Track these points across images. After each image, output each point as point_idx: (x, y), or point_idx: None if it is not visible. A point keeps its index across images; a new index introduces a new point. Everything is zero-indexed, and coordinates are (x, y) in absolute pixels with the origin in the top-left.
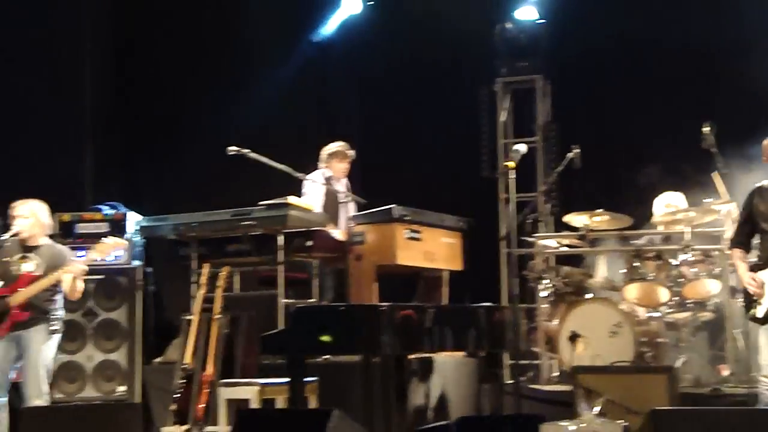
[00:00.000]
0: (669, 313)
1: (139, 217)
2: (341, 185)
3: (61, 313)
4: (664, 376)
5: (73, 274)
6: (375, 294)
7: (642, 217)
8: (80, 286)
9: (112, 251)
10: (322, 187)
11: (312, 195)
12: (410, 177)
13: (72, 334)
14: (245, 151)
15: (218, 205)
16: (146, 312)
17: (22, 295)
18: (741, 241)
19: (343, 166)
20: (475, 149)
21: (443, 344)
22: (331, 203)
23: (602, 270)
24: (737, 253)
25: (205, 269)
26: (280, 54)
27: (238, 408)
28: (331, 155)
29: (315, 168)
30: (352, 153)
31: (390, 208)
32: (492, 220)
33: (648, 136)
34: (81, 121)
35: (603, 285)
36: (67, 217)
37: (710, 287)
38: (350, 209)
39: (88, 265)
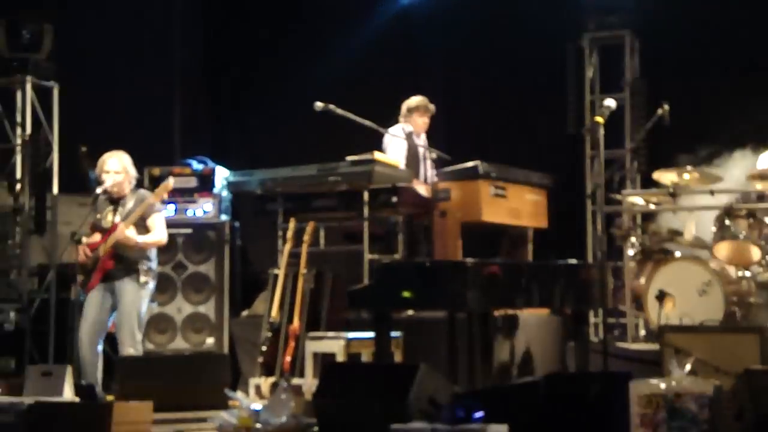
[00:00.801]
0: (760, 272)
1: (227, 172)
2: (421, 140)
3: (153, 264)
4: (755, 336)
5: (121, 234)
6: (459, 250)
7: (733, 174)
8: (154, 236)
9: (165, 193)
10: (404, 142)
11: (394, 150)
12: (495, 133)
13: (162, 287)
14: (331, 106)
15: (304, 160)
16: (234, 266)
17: (108, 243)
18: None
19: (423, 121)
20: (562, 105)
21: (528, 301)
22: (413, 158)
23: (691, 228)
24: None
25: (292, 224)
26: (364, 9)
27: (325, 361)
28: (412, 109)
29: (397, 123)
30: (432, 107)
31: (475, 164)
32: (578, 178)
33: (739, 93)
34: (170, 78)
35: (692, 243)
36: (157, 171)
37: None
38: (429, 165)
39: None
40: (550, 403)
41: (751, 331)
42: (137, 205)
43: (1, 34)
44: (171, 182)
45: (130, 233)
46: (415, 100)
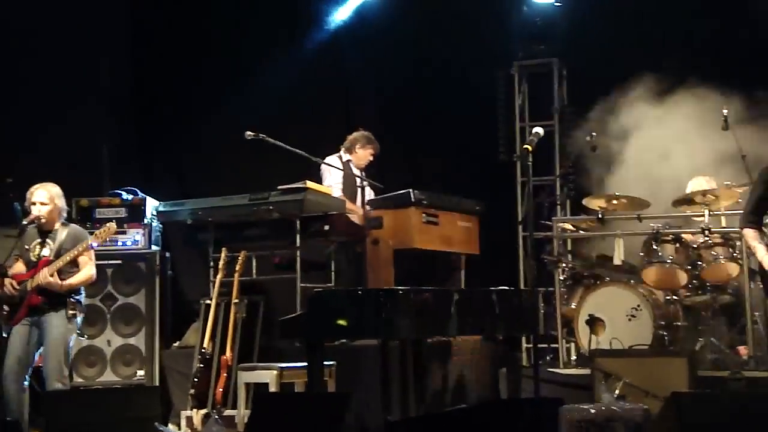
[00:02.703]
0: (688, 296)
1: (157, 203)
2: (357, 170)
3: (81, 297)
4: (683, 360)
5: (43, 282)
6: (392, 278)
7: (659, 199)
8: (83, 275)
9: (107, 236)
10: (340, 171)
11: (331, 178)
12: (427, 161)
13: (91, 319)
14: (262, 135)
15: (235, 189)
16: (164, 296)
17: (38, 278)
18: (753, 220)
19: (364, 153)
20: (492, 133)
21: (461, 328)
22: (350, 187)
23: (620, 253)
24: (751, 233)
25: (223, 254)
26: (296, 39)
27: (257, 392)
28: (353, 141)
29: (332, 152)
30: (374, 142)
31: (407, 192)
32: (509, 204)
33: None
34: (98, 108)
35: (621, 268)
36: (85, 202)
37: (729, 270)
38: (367, 193)
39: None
40: (483, 430)
41: (680, 355)
42: (71, 242)
43: None
44: (113, 226)
45: (54, 280)
46: (362, 136)
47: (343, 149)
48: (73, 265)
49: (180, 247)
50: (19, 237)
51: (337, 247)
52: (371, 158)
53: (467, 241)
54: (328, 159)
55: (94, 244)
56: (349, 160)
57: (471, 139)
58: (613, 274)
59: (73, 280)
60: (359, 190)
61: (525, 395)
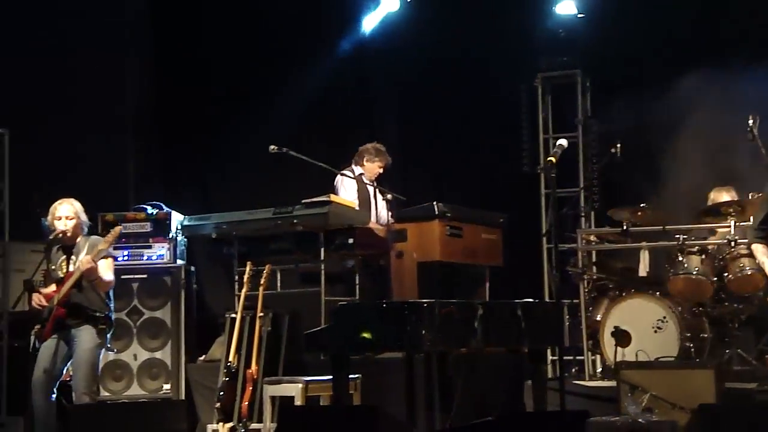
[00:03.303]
0: (714, 307)
1: (182, 217)
2: (369, 181)
3: (109, 312)
4: (710, 372)
5: (82, 269)
6: (416, 291)
7: (685, 210)
8: (102, 275)
9: (113, 240)
10: (353, 182)
11: (345, 191)
12: (450, 174)
13: (117, 333)
14: (286, 149)
15: (260, 203)
16: (190, 310)
17: (60, 293)
18: (762, 235)
19: (372, 166)
20: (516, 145)
21: (486, 340)
22: (364, 199)
23: (645, 264)
24: (760, 248)
25: (248, 267)
26: (319, 53)
27: (283, 405)
28: (362, 153)
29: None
30: (384, 154)
31: (431, 204)
32: (533, 216)
33: (689, 130)
34: (123, 123)
35: (647, 280)
36: (110, 217)
37: (756, 281)
38: (380, 205)
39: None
40: None
41: (706, 367)
42: (90, 251)
43: None
44: (119, 228)
45: (92, 264)
46: (371, 148)
47: (353, 162)
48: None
49: (205, 261)
50: (46, 252)
51: (361, 261)
52: (380, 171)
53: (491, 253)
54: (344, 171)
55: (106, 249)
56: (361, 174)
57: (495, 152)
58: (639, 286)
59: (101, 274)
60: (374, 202)
61: (550, 408)
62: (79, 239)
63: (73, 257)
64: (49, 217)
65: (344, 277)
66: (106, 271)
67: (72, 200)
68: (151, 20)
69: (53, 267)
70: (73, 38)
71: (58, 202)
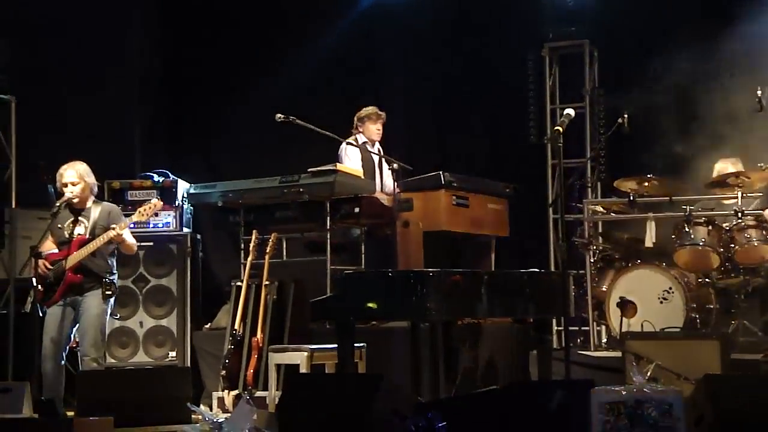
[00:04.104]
0: (720, 278)
1: (188, 185)
2: (375, 149)
3: (114, 278)
4: (716, 342)
5: (113, 238)
6: (422, 260)
7: (691, 182)
8: (130, 240)
9: (152, 213)
10: (357, 151)
11: (349, 160)
12: (457, 143)
13: (123, 300)
14: (292, 117)
15: (265, 172)
16: (195, 278)
17: (74, 257)
18: None
19: (376, 128)
20: (523, 115)
21: (491, 310)
22: (368, 168)
23: (652, 235)
24: None
25: (254, 236)
26: (325, 19)
27: (288, 373)
28: (363, 118)
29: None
30: (383, 114)
31: (437, 174)
32: (540, 187)
33: (697, 101)
34: (129, 91)
35: (653, 251)
36: (117, 184)
37: (763, 252)
38: (386, 174)
39: (136, 228)
40: (513, 412)
41: (712, 338)
42: (105, 219)
43: None
44: (159, 202)
45: (126, 234)
46: (365, 109)
47: (354, 131)
48: (109, 244)
49: (211, 229)
50: (52, 219)
51: (367, 230)
52: (380, 128)
53: (497, 223)
54: (348, 141)
55: (139, 221)
56: (365, 142)
57: (501, 122)
58: (645, 257)
59: (127, 239)
60: (378, 171)
61: (556, 378)
62: (89, 203)
63: (83, 220)
64: (57, 184)
65: (350, 246)
66: (129, 235)
67: (76, 164)
68: None
69: (60, 227)
70: (78, 4)
71: (63, 167)
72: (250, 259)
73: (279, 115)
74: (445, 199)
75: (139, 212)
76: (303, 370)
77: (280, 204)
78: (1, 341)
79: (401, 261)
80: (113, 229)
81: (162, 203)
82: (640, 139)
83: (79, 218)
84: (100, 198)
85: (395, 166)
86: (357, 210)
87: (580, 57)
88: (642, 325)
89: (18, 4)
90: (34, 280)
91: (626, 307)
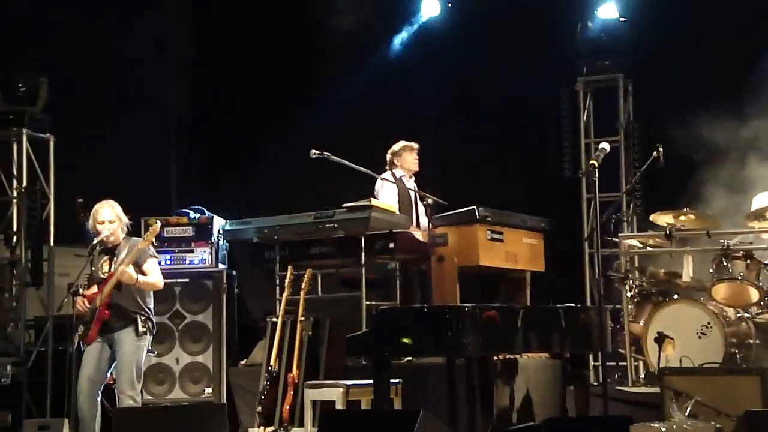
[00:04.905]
0: (759, 313)
1: (223, 221)
2: (411, 184)
3: (151, 314)
4: (756, 378)
5: (118, 278)
6: (457, 296)
7: (728, 215)
8: (152, 278)
9: (153, 237)
10: (395, 187)
11: (386, 195)
12: (492, 178)
13: (160, 336)
14: (326, 153)
15: (300, 208)
16: (231, 314)
17: (103, 294)
18: None
19: (414, 158)
20: (557, 149)
21: (527, 345)
22: (405, 203)
23: (689, 270)
24: None
25: (289, 271)
26: (360, 58)
27: (324, 409)
28: (398, 151)
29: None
30: (417, 145)
31: (472, 209)
32: (574, 221)
33: (732, 135)
34: (165, 128)
35: (690, 285)
36: (153, 221)
37: None
38: (421, 210)
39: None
40: None
41: (752, 373)
42: (130, 251)
43: None
44: (158, 225)
45: (130, 270)
46: (398, 144)
47: (389, 166)
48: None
49: (246, 265)
50: (89, 257)
51: (402, 265)
52: (417, 158)
53: (532, 258)
54: (383, 177)
55: (146, 248)
56: (402, 176)
57: (536, 156)
58: (682, 291)
59: (146, 278)
60: (414, 206)
61: (593, 414)
62: (120, 241)
63: (115, 259)
64: (91, 221)
65: (385, 281)
66: (153, 271)
67: (112, 202)
68: (193, 25)
69: (94, 269)
70: (116, 44)
71: (99, 205)
72: (285, 294)
73: (314, 151)
74: (480, 233)
75: (144, 238)
76: (339, 406)
77: (315, 240)
78: (40, 378)
79: (436, 296)
80: (121, 264)
81: (159, 227)
82: (676, 172)
83: (113, 258)
84: (135, 234)
85: (430, 201)
86: (392, 245)
87: (615, 90)
88: (681, 361)
89: (57, 44)
90: (74, 318)
91: (664, 342)
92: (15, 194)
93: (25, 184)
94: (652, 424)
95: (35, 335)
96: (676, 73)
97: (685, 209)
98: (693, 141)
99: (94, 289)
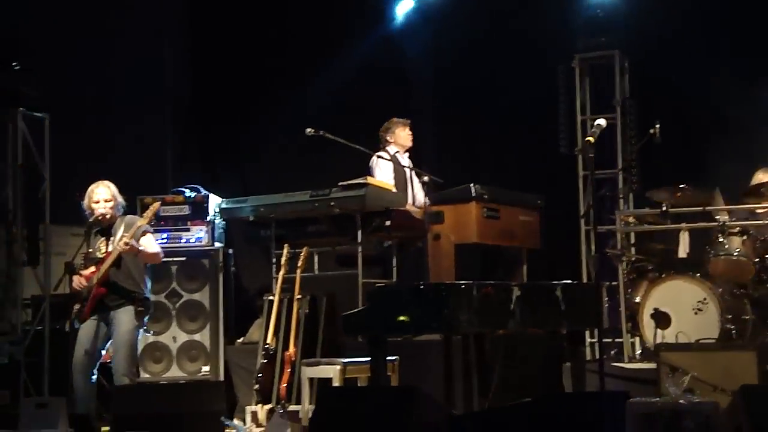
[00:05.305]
0: (756, 289)
1: (220, 200)
2: (405, 161)
3: (147, 293)
4: (752, 353)
5: (120, 249)
6: (453, 273)
7: (724, 192)
8: (148, 250)
9: (153, 214)
10: (390, 164)
11: (381, 173)
12: (487, 155)
13: (157, 315)
14: (322, 131)
15: (296, 186)
16: (228, 293)
17: (99, 272)
18: None
19: (407, 133)
20: (553, 126)
21: (523, 322)
22: (400, 180)
23: (685, 246)
24: None
25: (285, 250)
26: (355, 34)
27: (321, 387)
28: (390, 128)
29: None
30: (408, 121)
31: (468, 186)
32: (571, 198)
33: (729, 110)
34: (161, 107)
35: (686, 261)
36: (150, 200)
37: None
38: (417, 187)
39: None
40: (547, 425)
41: (748, 348)
42: (127, 229)
43: None
44: (157, 204)
45: (132, 241)
46: (390, 120)
47: (383, 144)
48: (132, 257)
49: (242, 243)
50: (85, 235)
51: (398, 243)
52: (410, 133)
53: (529, 235)
54: (379, 154)
55: (144, 225)
56: (396, 153)
57: (532, 133)
58: (679, 268)
59: (147, 248)
60: (410, 183)
61: (590, 390)
62: (116, 220)
63: (112, 238)
64: (86, 201)
65: (381, 259)
66: (151, 245)
67: (107, 182)
68: (190, 6)
69: (91, 249)
70: (111, 22)
71: (95, 185)
72: (281, 273)
73: (309, 129)
74: (475, 211)
75: (144, 217)
76: (336, 383)
77: (311, 218)
78: (38, 357)
79: (432, 274)
80: (122, 239)
81: (159, 205)
82: (672, 149)
83: (110, 238)
84: (131, 213)
85: (426, 179)
86: (388, 223)
87: (611, 68)
88: (677, 337)
89: (54, 23)
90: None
91: (660, 318)
92: (11, 173)
93: (20, 163)
94: (648, 399)
95: (32, 314)
96: (672, 50)
97: (681, 186)
98: (690, 117)
99: (92, 268)
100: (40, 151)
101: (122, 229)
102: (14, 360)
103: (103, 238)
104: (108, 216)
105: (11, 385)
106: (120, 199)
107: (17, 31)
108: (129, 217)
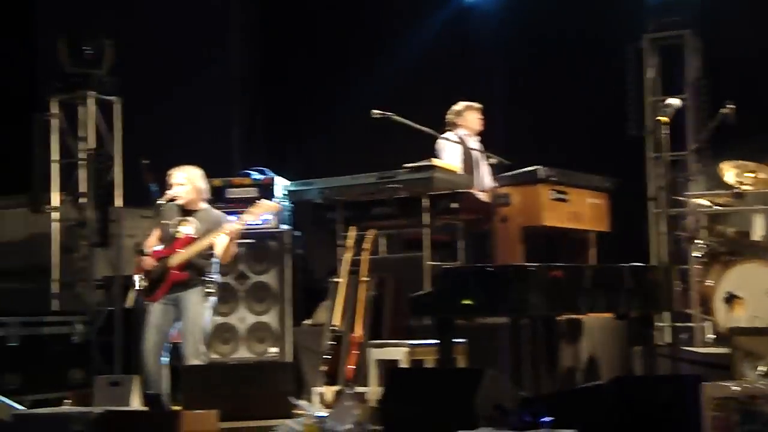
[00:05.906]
0: None
1: (287, 182)
2: (475, 144)
3: (217, 276)
4: None
5: (228, 235)
6: (521, 256)
7: None
8: (233, 249)
9: (264, 213)
10: (458, 147)
11: (448, 155)
12: (555, 137)
13: (225, 297)
14: (389, 114)
15: (363, 168)
16: (295, 275)
17: (181, 255)
18: None
19: (477, 117)
20: (622, 108)
21: (592, 305)
22: (468, 163)
23: (760, 228)
24: None
25: (352, 232)
26: (423, 14)
27: (388, 368)
28: (461, 111)
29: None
30: (480, 105)
31: (535, 169)
32: (639, 180)
33: None
34: (228, 89)
35: (761, 244)
36: (217, 182)
37: None
38: (485, 170)
39: (241, 229)
40: (619, 407)
41: None
42: (213, 225)
43: (63, 51)
44: (268, 204)
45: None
46: (459, 104)
47: (451, 127)
48: (211, 249)
49: (309, 226)
50: (155, 216)
51: (465, 225)
52: (481, 117)
53: (597, 218)
54: (445, 135)
55: (250, 220)
56: (464, 135)
57: (601, 115)
58: (753, 251)
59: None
60: (477, 166)
61: (661, 374)
62: (201, 207)
63: (194, 221)
64: (167, 184)
65: (448, 242)
66: (235, 249)
67: (188, 167)
68: None
69: (167, 222)
70: (180, 6)
71: (174, 169)
72: (348, 255)
73: (376, 111)
74: (543, 193)
75: (251, 212)
76: (403, 365)
77: (377, 200)
78: (109, 337)
79: (499, 256)
80: (221, 229)
81: (268, 203)
82: (746, 130)
83: (189, 218)
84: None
85: (494, 161)
86: (455, 206)
87: (681, 48)
88: (752, 321)
89: (122, 7)
90: (135, 277)
91: (733, 302)
92: (82, 156)
93: (92, 146)
94: (724, 384)
95: (104, 295)
96: (744, 29)
97: (755, 167)
98: (764, 97)
99: (160, 246)
100: (111, 134)
101: (208, 217)
102: (87, 340)
103: (180, 219)
104: (181, 200)
105: (84, 364)
106: (199, 184)
107: (88, 15)
108: (217, 212)
